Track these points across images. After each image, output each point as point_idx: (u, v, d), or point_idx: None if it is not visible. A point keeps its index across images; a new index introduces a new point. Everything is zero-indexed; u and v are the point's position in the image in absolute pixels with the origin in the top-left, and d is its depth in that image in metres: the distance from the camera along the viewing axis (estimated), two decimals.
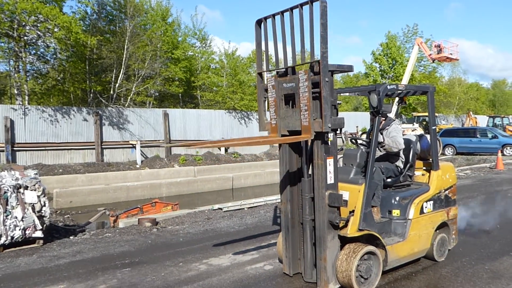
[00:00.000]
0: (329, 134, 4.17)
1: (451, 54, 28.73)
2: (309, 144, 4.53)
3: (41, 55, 19.04)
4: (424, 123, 28.58)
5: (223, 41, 66.26)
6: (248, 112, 23.68)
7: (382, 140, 5.06)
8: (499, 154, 17.85)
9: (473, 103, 47.49)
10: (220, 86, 24.74)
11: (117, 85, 20.30)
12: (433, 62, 30.81)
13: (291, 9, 4.14)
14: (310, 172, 4.48)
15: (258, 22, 4.55)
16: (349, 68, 4.35)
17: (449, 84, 44.64)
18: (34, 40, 17.95)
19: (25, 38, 17.31)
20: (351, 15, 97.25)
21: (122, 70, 20.28)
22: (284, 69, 4.42)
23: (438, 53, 28.23)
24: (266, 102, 4.66)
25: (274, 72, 4.62)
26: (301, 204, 4.59)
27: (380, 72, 34.49)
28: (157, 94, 24.52)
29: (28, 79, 18.98)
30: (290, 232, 4.69)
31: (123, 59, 20.03)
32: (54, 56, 19.35)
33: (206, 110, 22.55)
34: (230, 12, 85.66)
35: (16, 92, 18.19)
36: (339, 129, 4.29)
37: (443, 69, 41.71)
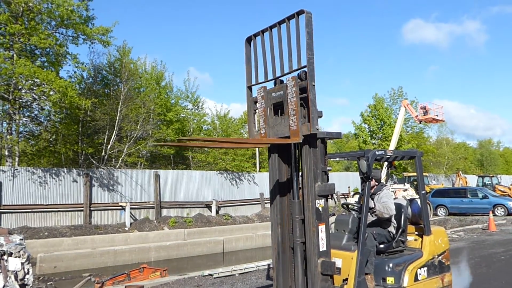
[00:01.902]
0: (320, 201, 4.18)
1: (436, 115, 29.70)
2: (297, 151, 4.43)
3: (35, 117, 19.26)
4: (415, 183, 28.75)
5: (215, 103, 67.87)
6: (240, 173, 23.70)
7: (373, 206, 5.07)
8: (491, 215, 17.84)
9: (462, 162, 48.21)
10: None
11: (109, 146, 20.38)
12: (420, 123, 31.74)
13: (279, 23, 4.32)
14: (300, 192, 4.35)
15: (248, 40, 4.71)
16: (338, 135, 4.47)
17: (437, 144, 45.58)
18: (29, 103, 18.24)
19: (20, 101, 17.59)
20: (337, 78, 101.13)
21: (114, 131, 20.47)
22: (273, 80, 4.51)
23: (424, 115, 29.18)
24: (256, 114, 4.70)
25: (263, 84, 4.68)
26: (291, 228, 4.42)
27: (369, 133, 35.20)
28: (149, 155, 24.59)
29: (20, 140, 19.03)
30: (281, 258, 4.51)
31: (116, 121, 20.30)
32: (48, 118, 19.56)
33: (197, 171, 22.54)
34: (218, 74, 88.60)
35: (6, 153, 18.13)
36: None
37: (430, 130, 42.72)
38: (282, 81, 4.51)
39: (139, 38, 74.93)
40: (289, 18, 4.20)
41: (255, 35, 4.64)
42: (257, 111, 4.65)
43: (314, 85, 4.04)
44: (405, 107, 28.49)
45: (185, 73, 58.69)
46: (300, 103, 4.10)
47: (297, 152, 4.47)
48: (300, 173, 4.35)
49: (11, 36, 16.46)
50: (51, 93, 16.93)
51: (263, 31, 4.54)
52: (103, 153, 20.37)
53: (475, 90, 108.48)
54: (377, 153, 4.78)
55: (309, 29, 3.95)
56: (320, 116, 4.24)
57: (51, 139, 19.97)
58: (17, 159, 18.60)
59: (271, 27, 4.44)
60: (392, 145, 26.86)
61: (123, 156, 20.85)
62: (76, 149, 20.57)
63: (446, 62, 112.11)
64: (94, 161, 19.99)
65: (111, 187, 18.54)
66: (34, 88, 16.95)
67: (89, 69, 20.94)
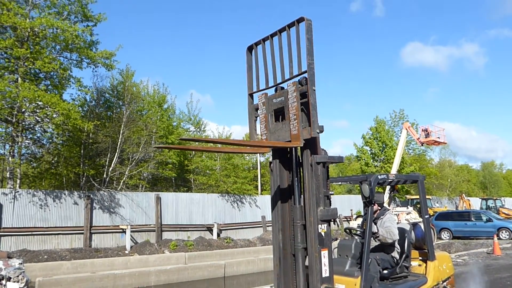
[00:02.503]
0: (323, 226, 4.14)
1: (438, 137, 29.70)
2: (298, 153, 4.45)
3: (37, 139, 19.33)
4: (419, 206, 28.51)
5: (217, 126, 68.15)
6: (241, 196, 23.58)
7: (376, 231, 5.01)
8: (495, 238, 17.61)
9: (465, 185, 47.96)
10: (213, 170, 24.91)
11: (110, 169, 20.37)
12: (422, 145, 31.70)
13: (279, 31, 4.42)
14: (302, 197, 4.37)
15: (249, 49, 4.79)
16: (340, 160, 4.47)
17: (440, 166, 45.43)
18: (32, 125, 18.34)
19: (23, 123, 17.69)
20: (338, 101, 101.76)
21: (116, 154, 20.50)
22: (274, 86, 4.58)
23: (426, 137, 29.19)
24: (257, 121, 4.75)
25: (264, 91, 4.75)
26: (293, 235, 4.40)
27: (371, 155, 35.15)
28: (150, 177, 24.54)
29: (22, 162, 19.04)
30: (282, 264, 4.46)
31: (118, 144, 20.35)
32: (50, 140, 19.63)
33: (198, 194, 22.43)
34: (219, 96, 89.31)
35: (8, 175, 18.12)
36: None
37: (432, 152, 42.67)
38: (282, 88, 4.59)
39: (141, 61, 75.96)
40: (290, 26, 4.32)
41: (256, 44, 4.73)
42: (258, 118, 4.70)
43: (314, 90, 4.11)
44: (406, 129, 28.52)
45: (186, 95, 59.48)
46: (300, 108, 4.17)
47: (298, 158, 4.48)
48: (302, 180, 4.36)
49: (16, 60, 16.69)
50: (54, 115, 17.04)
51: (264, 40, 4.64)
52: (104, 176, 20.34)
53: (475, 112, 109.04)
54: (379, 177, 4.76)
55: (309, 36, 4.05)
56: (322, 131, 4.27)
57: (53, 161, 19.98)
58: (18, 181, 18.56)
59: (271, 35, 4.53)
60: (394, 168, 26.77)
61: (124, 178, 20.81)
62: (77, 171, 20.57)
63: (446, 84, 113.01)
64: (95, 184, 19.94)
65: (112, 210, 18.43)
66: (38, 110, 17.08)
67: (92, 92, 21.15)
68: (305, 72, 4.15)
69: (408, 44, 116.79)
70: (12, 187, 17.48)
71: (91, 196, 17.89)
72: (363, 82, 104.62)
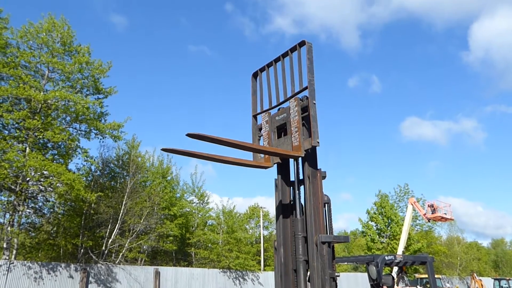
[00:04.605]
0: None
1: (445, 214, 29.10)
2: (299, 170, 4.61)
3: (39, 208, 19.13)
4: (428, 286, 27.21)
5: (221, 198, 67.65)
6: (243, 272, 22.72)
7: None
8: None
9: (476, 263, 46.13)
10: (215, 244, 24.29)
11: (110, 240, 19.90)
12: (429, 221, 31.01)
13: (282, 56, 4.81)
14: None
15: (254, 75, 5.13)
16: (345, 240, 4.35)
17: (448, 243, 44.07)
18: (34, 194, 18.26)
19: (26, 192, 17.63)
20: (341, 173, 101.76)
21: (117, 225, 20.14)
22: (277, 106, 4.85)
23: (432, 213, 28.61)
24: (260, 140, 4.96)
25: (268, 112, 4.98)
26: (294, 250, 4.44)
27: (377, 231, 34.31)
28: (150, 250, 23.89)
29: (20, 232, 18.69)
30: (283, 281, 4.40)
31: (120, 214, 20.08)
32: (52, 210, 19.43)
33: (199, 269, 21.66)
34: (221, 166, 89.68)
35: (5, 245, 17.68)
36: None
37: (440, 228, 41.67)
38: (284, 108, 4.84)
39: (142, 129, 77.60)
40: (292, 50, 4.71)
41: (261, 70, 5.09)
42: (261, 137, 4.94)
43: (314, 103, 4.36)
44: (412, 204, 28.09)
45: (187, 164, 59.72)
46: (302, 123, 4.42)
47: (299, 171, 4.67)
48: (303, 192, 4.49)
49: (27, 130, 17.06)
50: (58, 185, 17.02)
51: (268, 65, 5.00)
52: (103, 248, 19.81)
53: (480, 186, 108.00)
54: (386, 258, 4.58)
55: (310, 56, 4.43)
56: (324, 177, 4.44)
57: (52, 231, 19.61)
58: (14, 251, 18.08)
59: (275, 60, 4.92)
60: (401, 245, 25.96)
61: (123, 251, 20.24)
62: (76, 242, 20.09)
63: (446, 158, 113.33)
64: (93, 256, 19.37)
65: (108, 284, 17.70)
66: (42, 180, 17.10)
67: (97, 163, 21.30)
68: (305, 88, 4.47)
69: (406, 118, 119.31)
70: (7, 257, 16.99)
71: (88, 269, 17.29)
72: (365, 156, 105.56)
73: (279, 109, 4.86)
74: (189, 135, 3.64)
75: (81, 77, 18.96)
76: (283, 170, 4.79)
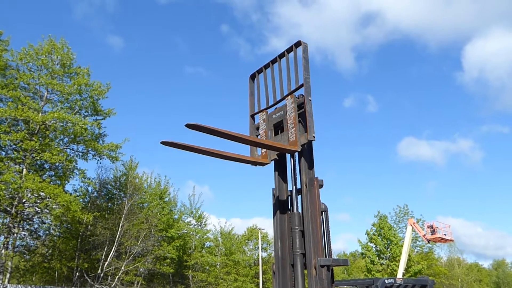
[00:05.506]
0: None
1: (445, 234, 28.83)
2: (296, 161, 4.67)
3: (34, 230, 18.89)
4: None
5: (219, 220, 67.10)
6: None
7: None
8: None
9: (477, 285, 45.54)
10: (213, 266, 23.96)
11: (106, 263, 19.59)
12: (429, 242, 30.70)
13: (279, 57, 4.93)
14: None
15: (252, 77, 5.28)
16: (344, 263, 4.30)
17: (449, 264, 43.58)
18: (30, 216, 18.06)
19: (22, 214, 17.44)
20: (338, 193, 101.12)
21: (114, 247, 19.87)
22: (273, 105, 4.98)
23: (432, 234, 28.34)
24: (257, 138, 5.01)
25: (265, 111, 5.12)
26: (291, 243, 4.45)
27: (376, 252, 33.94)
28: (147, 273, 23.51)
29: (14, 255, 18.40)
30: (280, 274, 4.41)
31: (117, 236, 19.84)
32: (47, 232, 19.18)
33: None
34: (218, 187, 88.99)
35: None
36: None
37: (440, 249, 41.25)
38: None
39: (140, 150, 77.51)
40: (288, 50, 4.85)
41: (258, 72, 5.23)
42: (259, 136, 5.04)
43: (310, 100, 4.46)
44: (411, 225, 27.87)
45: (183, 185, 59.41)
46: (298, 119, 4.52)
47: (295, 166, 4.74)
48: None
49: (24, 152, 17.00)
50: (54, 206, 16.86)
51: (265, 67, 5.13)
52: (99, 271, 19.49)
53: (479, 206, 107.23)
54: (386, 281, 4.52)
55: (305, 55, 4.57)
56: (321, 186, 4.45)
57: (47, 254, 19.31)
58: (8, 275, 17.75)
59: (272, 62, 5.04)
60: (401, 267, 25.64)
61: (120, 274, 19.91)
62: (71, 265, 19.78)
63: (444, 178, 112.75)
64: (89, 279, 19.04)
65: None
66: (38, 201, 16.95)
67: (94, 184, 21.16)
68: (301, 85, 4.59)
69: (403, 138, 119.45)
70: (1, 281, 16.67)
71: None
72: (363, 175, 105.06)
73: (276, 108, 5.02)
74: (188, 125, 3.70)
75: (80, 98, 19.02)
76: (280, 166, 4.92)
